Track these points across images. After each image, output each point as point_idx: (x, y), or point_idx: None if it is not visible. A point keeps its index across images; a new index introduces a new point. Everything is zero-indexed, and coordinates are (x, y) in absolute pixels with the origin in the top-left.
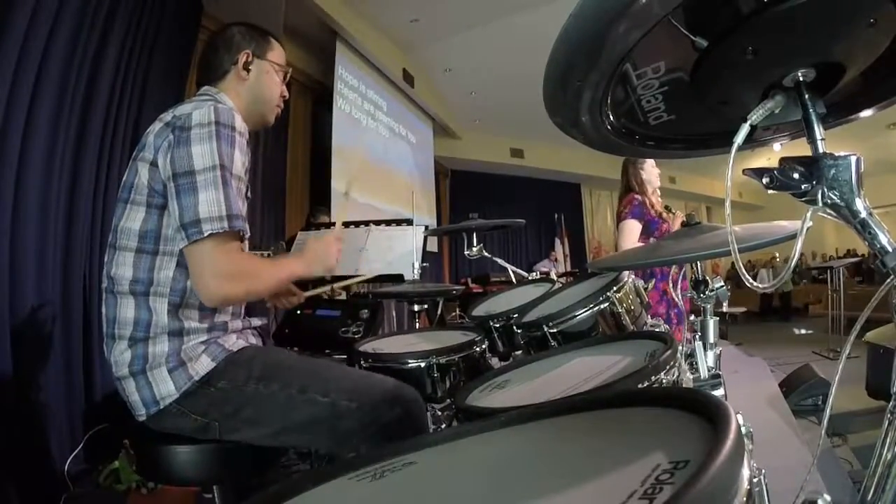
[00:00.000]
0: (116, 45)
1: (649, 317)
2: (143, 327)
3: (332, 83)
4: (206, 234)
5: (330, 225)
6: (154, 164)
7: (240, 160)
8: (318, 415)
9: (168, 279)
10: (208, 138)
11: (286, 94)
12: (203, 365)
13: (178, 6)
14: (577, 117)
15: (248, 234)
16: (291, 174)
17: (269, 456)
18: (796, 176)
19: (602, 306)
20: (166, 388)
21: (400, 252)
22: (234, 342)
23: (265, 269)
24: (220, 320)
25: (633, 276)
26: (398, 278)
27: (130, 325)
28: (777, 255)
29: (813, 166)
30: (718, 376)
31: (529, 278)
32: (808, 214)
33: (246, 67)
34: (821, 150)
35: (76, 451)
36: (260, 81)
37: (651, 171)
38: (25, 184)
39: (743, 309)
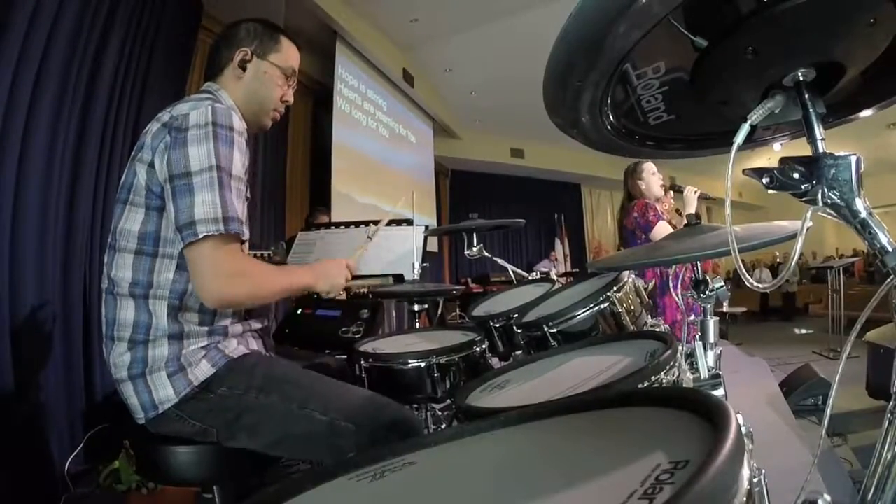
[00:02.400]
0: (116, 45)
1: (650, 317)
2: (143, 330)
3: (332, 83)
4: (201, 236)
5: (329, 225)
6: (151, 165)
7: (239, 160)
8: (315, 431)
9: (168, 282)
10: (205, 139)
11: (289, 99)
12: (203, 370)
13: (178, 6)
14: (577, 117)
15: (247, 236)
16: (291, 174)
17: (269, 457)
18: (796, 176)
19: (602, 306)
20: (165, 392)
21: (400, 252)
22: (234, 347)
23: (270, 273)
24: (220, 324)
25: (634, 276)
26: (398, 278)
27: (130, 328)
28: (777, 254)
29: (813, 166)
30: (718, 376)
31: (529, 278)
32: (808, 214)
33: (242, 66)
34: (821, 150)
35: (76, 452)
36: (256, 82)
37: (650, 179)
38: (25, 184)
39: (743, 309)
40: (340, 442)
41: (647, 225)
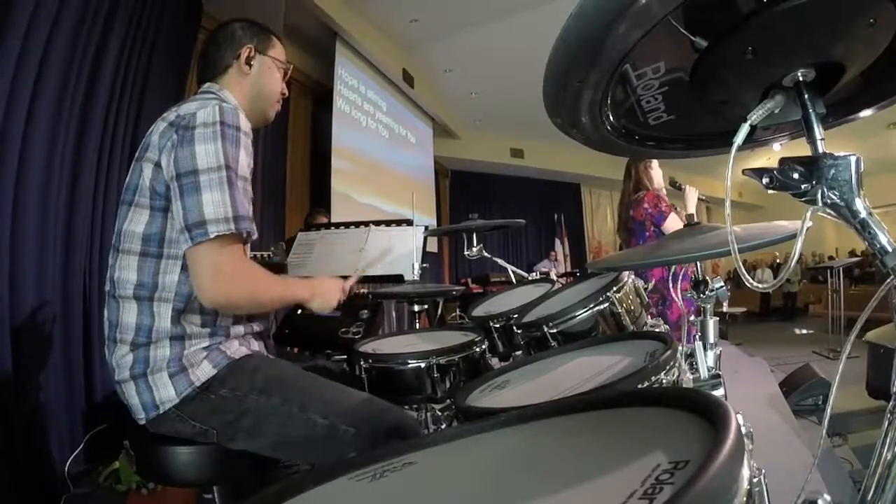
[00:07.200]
0: (116, 45)
1: (650, 317)
2: (146, 332)
3: (332, 83)
4: (212, 236)
5: (329, 226)
6: (158, 164)
7: (245, 161)
8: (315, 434)
9: (173, 283)
10: (213, 138)
11: (286, 91)
12: (204, 371)
13: (178, 6)
14: (577, 118)
15: (255, 235)
16: (291, 174)
17: (269, 458)
18: (796, 176)
19: (602, 306)
20: (167, 392)
21: (400, 252)
22: (235, 349)
23: (272, 282)
24: (222, 325)
25: (634, 276)
26: (398, 279)
27: (132, 330)
28: (777, 254)
29: (813, 166)
30: (718, 376)
31: (529, 278)
32: (808, 214)
33: (248, 62)
34: (821, 150)
35: (76, 452)
36: (262, 76)
37: (658, 171)
38: (25, 184)
39: (743, 309)
40: (340, 446)
41: (660, 216)
